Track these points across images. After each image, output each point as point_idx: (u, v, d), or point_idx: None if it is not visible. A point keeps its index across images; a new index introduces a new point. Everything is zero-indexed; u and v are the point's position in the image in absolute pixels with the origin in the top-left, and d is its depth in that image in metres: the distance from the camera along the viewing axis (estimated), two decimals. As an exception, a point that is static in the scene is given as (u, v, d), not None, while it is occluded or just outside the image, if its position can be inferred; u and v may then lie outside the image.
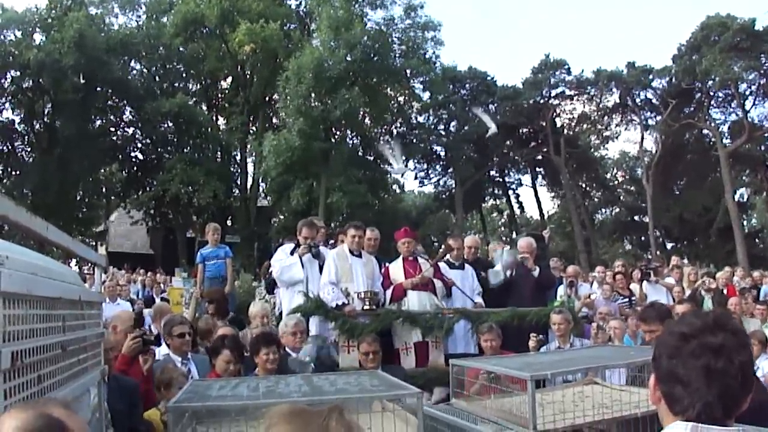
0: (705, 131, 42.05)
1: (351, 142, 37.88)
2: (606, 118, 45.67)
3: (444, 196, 46.99)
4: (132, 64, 38.42)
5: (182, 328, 5.75)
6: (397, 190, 45.48)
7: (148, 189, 37.70)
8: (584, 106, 45.01)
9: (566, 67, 42.42)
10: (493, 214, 60.01)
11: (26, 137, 37.84)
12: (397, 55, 34.82)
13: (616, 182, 53.36)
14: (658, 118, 41.74)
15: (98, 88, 35.98)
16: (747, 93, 39.14)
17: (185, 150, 37.65)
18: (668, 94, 40.11)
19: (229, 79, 40.11)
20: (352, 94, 31.49)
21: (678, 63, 38.97)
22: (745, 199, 47.13)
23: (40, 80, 34.04)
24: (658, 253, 39.20)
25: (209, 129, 37.86)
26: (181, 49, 37.49)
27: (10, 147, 37.19)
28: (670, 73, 40.09)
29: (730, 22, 36.47)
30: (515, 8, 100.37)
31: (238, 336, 6.34)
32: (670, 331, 1.70)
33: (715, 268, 18.06)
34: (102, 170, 40.10)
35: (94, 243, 41.43)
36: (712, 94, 39.82)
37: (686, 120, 40.45)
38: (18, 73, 34.53)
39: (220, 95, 41.30)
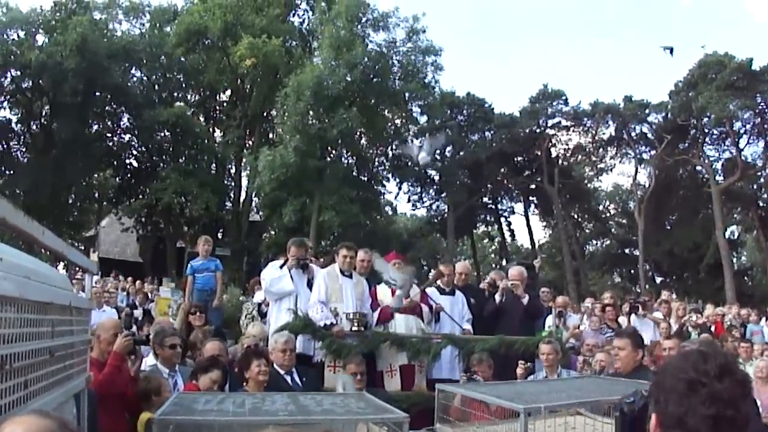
0: (698, 168, 42.25)
1: (346, 161, 37.88)
2: (601, 150, 45.89)
3: (436, 220, 46.97)
4: (132, 71, 38.41)
5: (174, 339, 5.73)
6: (390, 212, 45.51)
7: (140, 197, 37.58)
8: (580, 138, 45.24)
9: (564, 98, 42.64)
10: (484, 241, 60.07)
11: (22, 137, 37.79)
12: (397, 77, 34.92)
13: (608, 214, 53.60)
14: (653, 152, 41.94)
15: (97, 93, 36.00)
16: (741, 131, 39.39)
17: (180, 160, 37.64)
18: (663, 129, 40.34)
19: (228, 92, 40.15)
20: (350, 114, 31.56)
21: (674, 99, 39.24)
22: (735, 237, 47.31)
23: (40, 81, 34.04)
24: (647, 287, 39.32)
25: (205, 140, 37.88)
26: (182, 59, 37.50)
27: (5, 146, 37.08)
28: (666, 108, 40.36)
29: (727, 61, 36.74)
30: (516, 37, 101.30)
31: (226, 354, 6.31)
32: (676, 376, 1.67)
33: (703, 305, 18.11)
34: (96, 175, 40.03)
35: (83, 247, 41.22)
36: (706, 131, 40.14)
37: (680, 156, 40.66)
38: (18, 73, 34.46)
39: (218, 107, 41.31)
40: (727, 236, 40.65)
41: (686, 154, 40.85)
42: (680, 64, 77.29)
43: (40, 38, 35.08)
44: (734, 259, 45.76)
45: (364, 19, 34.24)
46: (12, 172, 36.89)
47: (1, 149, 37.04)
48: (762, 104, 37.47)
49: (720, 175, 40.71)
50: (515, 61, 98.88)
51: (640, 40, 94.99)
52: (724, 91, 35.83)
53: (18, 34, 34.75)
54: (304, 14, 40.28)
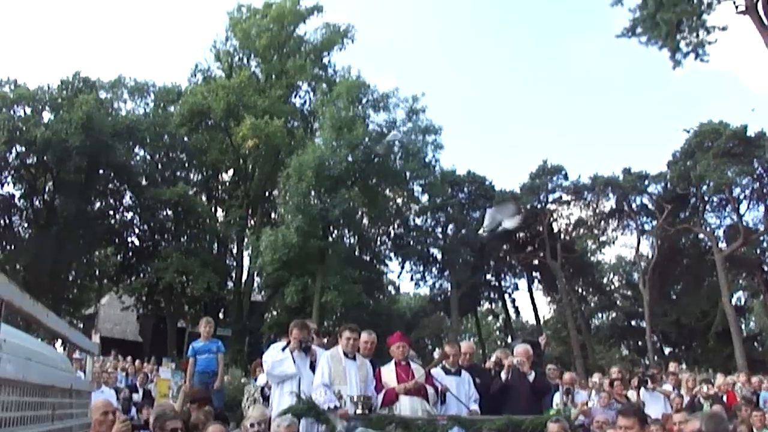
0: (701, 235, 42.41)
1: (348, 241, 37.89)
2: (602, 223, 46.10)
3: (439, 298, 46.77)
4: (136, 149, 38.91)
5: (175, 423, 5.60)
6: (392, 291, 45.30)
7: (141, 275, 37.39)
8: (581, 212, 45.56)
9: (563, 172, 43.09)
10: (488, 318, 59.67)
11: (25, 213, 37.81)
12: (398, 157, 35.20)
13: (612, 287, 53.55)
14: (654, 223, 42.12)
15: (101, 171, 36.36)
16: (741, 197, 39.54)
17: (182, 239, 37.74)
18: (664, 199, 40.61)
19: (231, 172, 40.60)
20: (351, 194, 31.72)
21: (673, 169, 39.54)
22: (742, 303, 47.18)
23: (45, 158, 34.21)
24: (655, 358, 38.87)
25: (207, 220, 38.04)
26: (185, 138, 38.12)
27: (7, 221, 37.14)
28: (665, 178, 40.69)
29: (722, 129, 37.18)
30: (515, 114, 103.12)
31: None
32: None
33: (714, 373, 17.84)
34: (97, 252, 40.03)
35: (82, 326, 40.91)
36: (706, 199, 40.42)
37: (682, 225, 40.84)
38: (23, 149, 34.63)
39: (220, 187, 41.70)
40: (733, 302, 40.52)
41: (688, 222, 41.08)
42: (677, 135, 78.59)
43: (46, 115, 35.57)
44: (743, 326, 45.45)
45: (364, 100, 34.84)
46: (13, 246, 36.89)
47: (3, 224, 37.12)
48: (759, 169, 37.78)
49: (723, 242, 40.71)
50: (515, 138, 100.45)
51: (636, 113, 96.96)
52: (722, 158, 36.14)
53: (25, 111, 35.24)
54: (305, 95, 41.21)
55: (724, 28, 28.30)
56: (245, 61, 40.28)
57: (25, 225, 38.24)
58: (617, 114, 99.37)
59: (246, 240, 37.60)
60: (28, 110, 35.34)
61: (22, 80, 36.07)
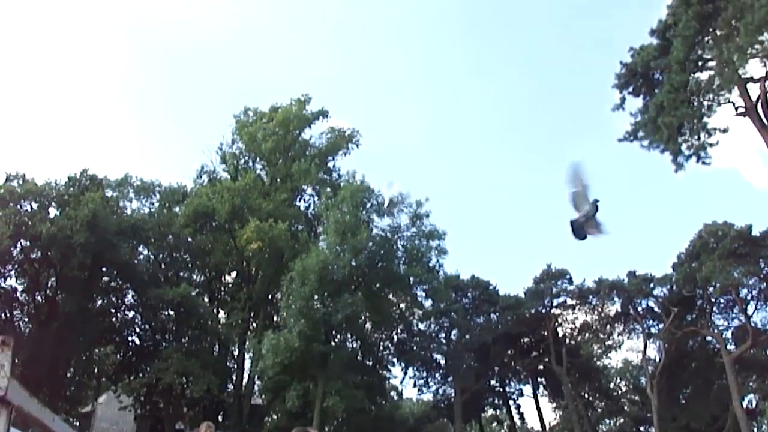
0: (708, 338, 41.99)
1: (351, 346, 37.42)
2: (608, 327, 45.79)
3: (443, 404, 46.07)
4: (140, 249, 38.84)
5: None
6: (395, 397, 44.49)
7: (141, 375, 36.78)
8: (586, 315, 45.42)
9: (568, 276, 43.13)
10: (492, 425, 58.37)
11: (26, 307, 37.36)
12: (402, 262, 35.11)
13: (619, 392, 52.82)
14: (661, 326, 41.86)
15: (104, 269, 36.17)
16: (748, 298, 39.35)
17: (183, 340, 37.33)
18: (670, 301, 40.41)
19: (234, 274, 40.63)
20: (354, 299, 31.54)
21: (678, 271, 39.52)
22: (753, 406, 46.03)
23: (49, 253, 33.84)
24: (666, 465, 37.74)
25: (209, 321, 37.71)
26: (189, 239, 38.26)
27: (8, 315, 36.71)
28: (670, 281, 40.64)
29: (727, 230, 37.29)
30: (518, 218, 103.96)
31: None
32: None
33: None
34: (97, 350, 39.46)
35: (78, 424, 39.91)
36: (713, 300, 40.23)
37: (689, 327, 40.53)
38: (28, 244, 34.36)
39: (223, 289, 41.60)
40: (744, 406, 39.65)
41: (695, 325, 40.78)
42: (681, 236, 78.99)
43: (53, 211, 35.42)
44: (755, 430, 44.25)
45: (368, 205, 35.02)
46: (13, 341, 36.17)
47: (3, 318, 36.70)
48: (766, 269, 37.67)
49: (731, 344, 40.27)
50: (518, 243, 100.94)
51: (639, 215, 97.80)
52: (727, 259, 36.08)
53: (31, 206, 35.04)
54: (309, 199, 41.66)
55: (725, 130, 28.75)
56: (251, 163, 40.99)
57: (26, 320, 37.76)
58: (621, 216, 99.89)
59: (247, 343, 37.29)
60: (35, 205, 35.26)
61: (30, 175, 36.32)
